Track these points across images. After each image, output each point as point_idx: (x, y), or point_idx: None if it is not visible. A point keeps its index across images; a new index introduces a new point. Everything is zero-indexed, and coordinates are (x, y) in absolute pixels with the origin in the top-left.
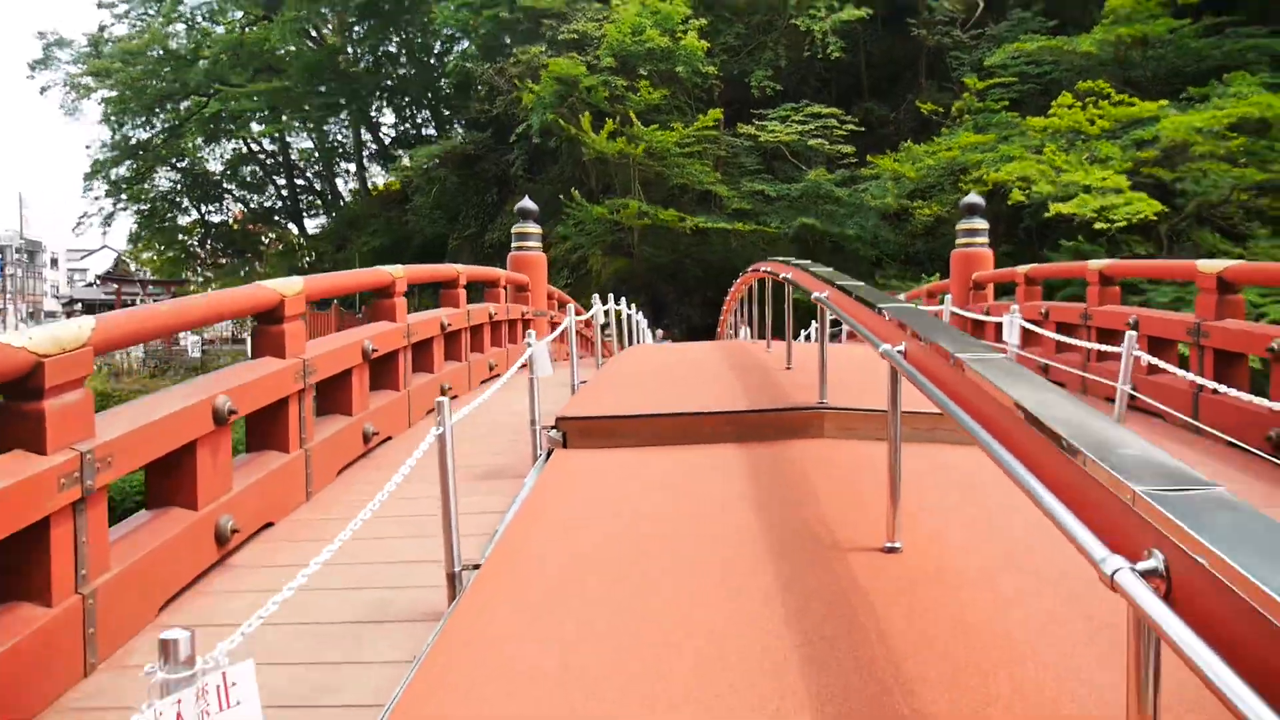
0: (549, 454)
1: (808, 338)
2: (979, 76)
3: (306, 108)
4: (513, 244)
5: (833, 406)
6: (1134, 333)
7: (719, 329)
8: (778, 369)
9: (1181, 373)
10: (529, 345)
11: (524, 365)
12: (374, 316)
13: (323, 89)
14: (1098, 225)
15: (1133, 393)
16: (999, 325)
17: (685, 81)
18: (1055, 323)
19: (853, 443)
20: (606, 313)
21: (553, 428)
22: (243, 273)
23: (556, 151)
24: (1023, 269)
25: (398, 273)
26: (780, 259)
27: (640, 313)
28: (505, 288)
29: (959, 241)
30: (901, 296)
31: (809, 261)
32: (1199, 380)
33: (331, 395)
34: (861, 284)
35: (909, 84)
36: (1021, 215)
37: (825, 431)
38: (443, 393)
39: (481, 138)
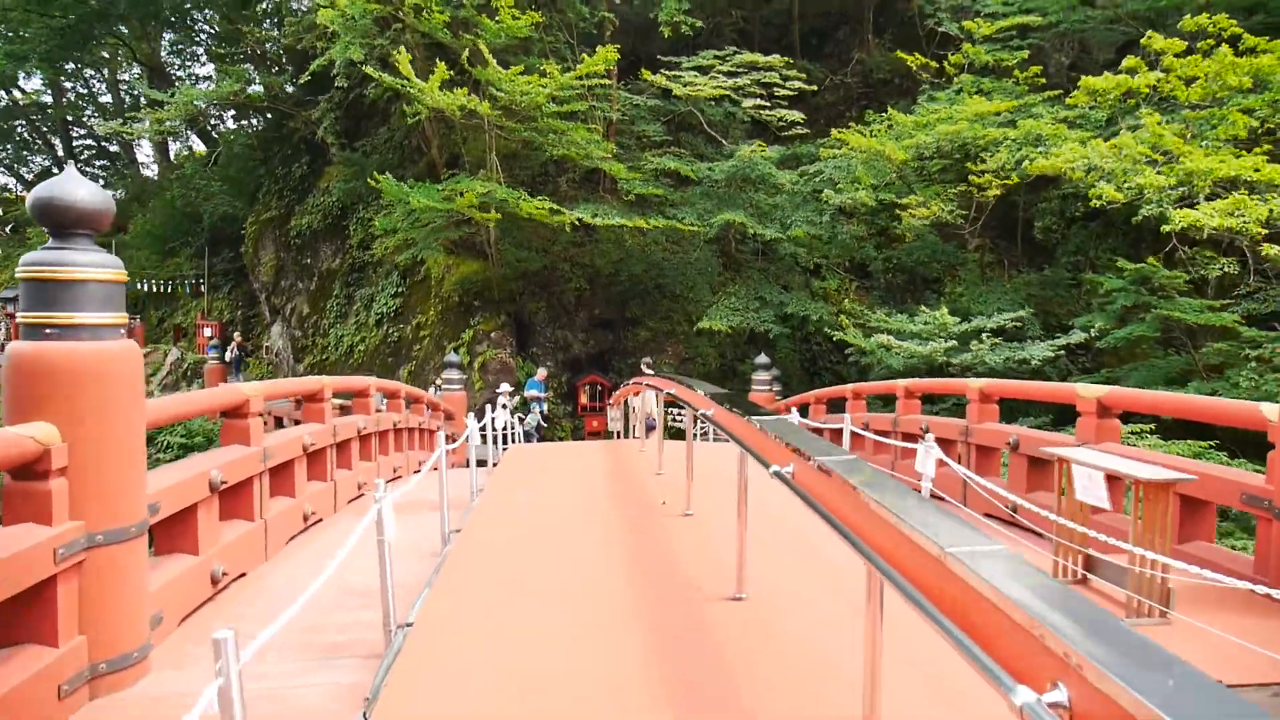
0: None
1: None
2: (976, 19)
3: (27, 38)
4: None
5: None
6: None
7: (612, 403)
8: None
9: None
10: None
11: None
12: None
13: (59, 14)
14: (1268, 251)
15: None
16: None
17: (565, 8)
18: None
19: None
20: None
21: None
22: None
23: (387, 107)
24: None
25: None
26: (670, 376)
27: (504, 403)
28: None
29: None
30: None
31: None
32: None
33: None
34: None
35: (851, 41)
36: (1029, 210)
37: None
38: None
39: (275, 81)
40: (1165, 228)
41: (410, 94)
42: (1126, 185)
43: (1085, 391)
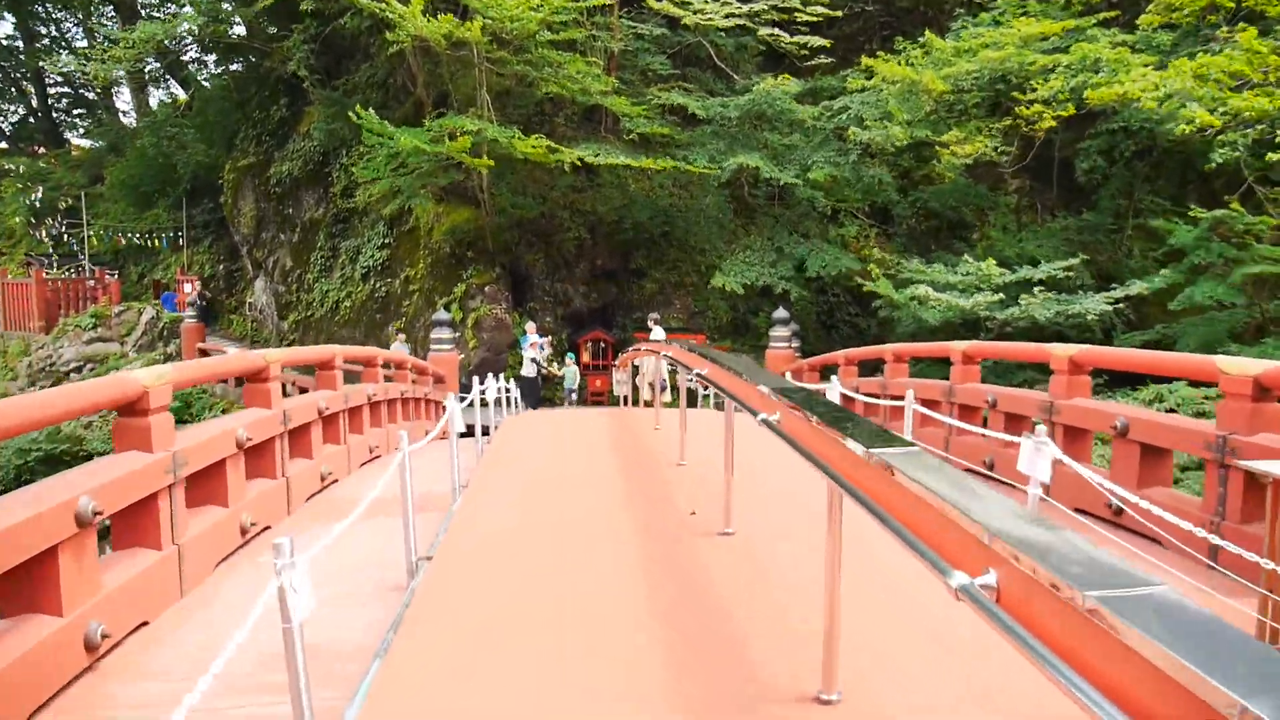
0: None
1: None
2: None
3: None
4: None
5: None
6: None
7: (619, 364)
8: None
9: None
10: None
11: None
12: None
13: None
14: None
15: None
16: None
17: None
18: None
19: None
20: None
21: None
22: None
23: (368, 43)
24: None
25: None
26: (696, 349)
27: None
28: None
29: None
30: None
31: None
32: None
33: None
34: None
35: None
36: (1069, 150)
37: None
38: None
39: (246, 13)
40: (1271, 156)
41: (390, 19)
42: (1221, 111)
43: (1231, 367)
